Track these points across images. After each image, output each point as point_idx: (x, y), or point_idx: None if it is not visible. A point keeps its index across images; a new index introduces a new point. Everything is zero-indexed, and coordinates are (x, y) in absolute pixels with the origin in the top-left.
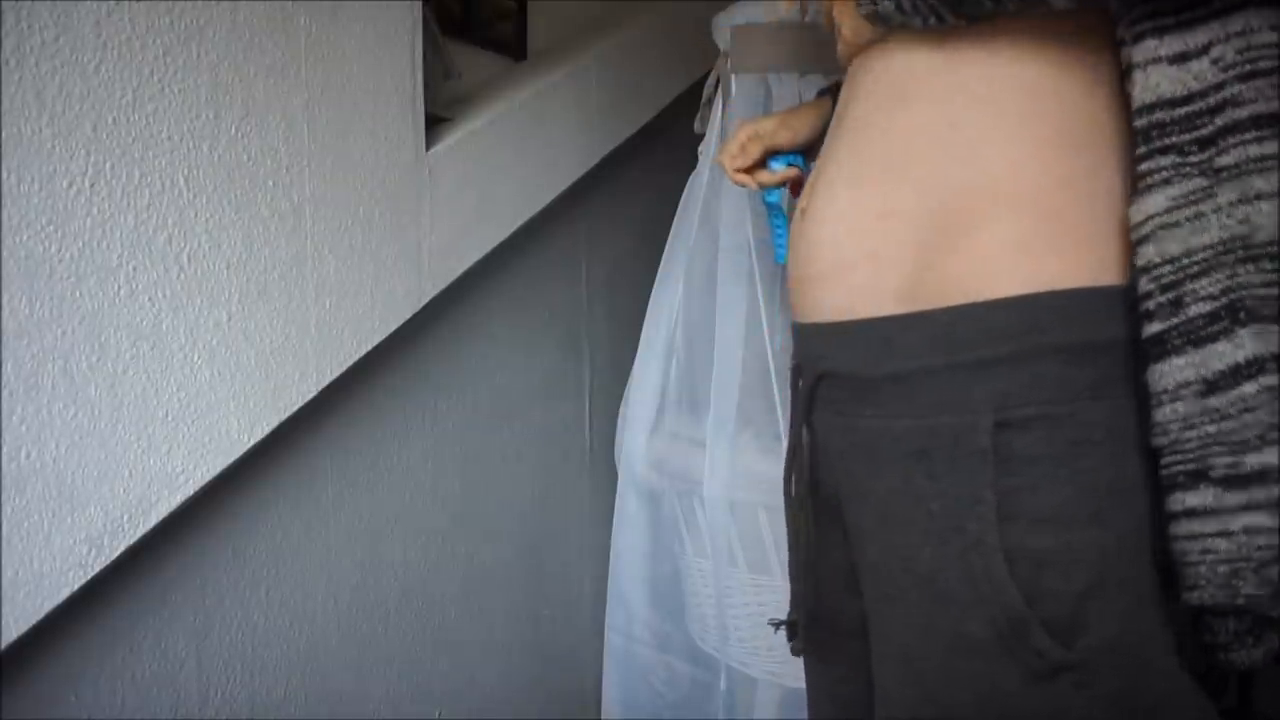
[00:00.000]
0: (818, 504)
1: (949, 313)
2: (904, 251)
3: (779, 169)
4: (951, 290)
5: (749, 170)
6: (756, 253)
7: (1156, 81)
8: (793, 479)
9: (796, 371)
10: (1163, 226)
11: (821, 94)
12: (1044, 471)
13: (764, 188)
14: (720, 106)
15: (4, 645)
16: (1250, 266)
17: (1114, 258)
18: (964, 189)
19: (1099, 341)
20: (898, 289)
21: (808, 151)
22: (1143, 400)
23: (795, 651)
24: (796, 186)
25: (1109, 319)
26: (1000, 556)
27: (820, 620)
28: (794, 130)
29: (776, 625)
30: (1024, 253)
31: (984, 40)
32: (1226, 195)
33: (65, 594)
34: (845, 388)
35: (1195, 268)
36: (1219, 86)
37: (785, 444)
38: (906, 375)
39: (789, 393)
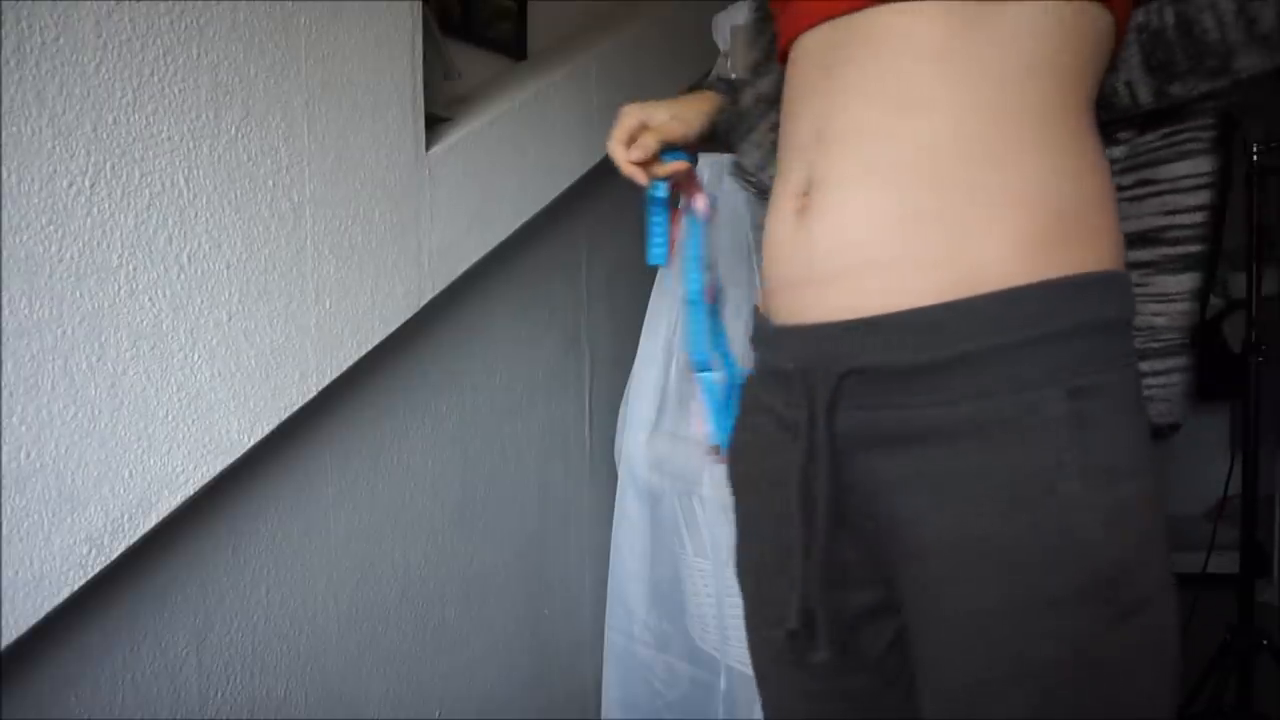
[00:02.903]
0: (823, 504)
1: (993, 298)
2: (933, 248)
3: (670, 162)
4: (989, 278)
5: (644, 164)
6: (756, 253)
7: None
8: (797, 481)
9: (800, 375)
10: None
11: (707, 88)
12: (1107, 433)
13: (655, 179)
14: None
15: (4, 645)
16: None
17: (1106, 249)
18: (984, 191)
19: (1127, 318)
20: (937, 282)
21: (694, 146)
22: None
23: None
24: (683, 184)
25: (1125, 299)
26: (1085, 514)
27: (836, 621)
28: (687, 124)
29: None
30: (1048, 244)
31: (990, 59)
32: None
33: (65, 594)
34: (876, 381)
35: None
36: None
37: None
38: (955, 360)
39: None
